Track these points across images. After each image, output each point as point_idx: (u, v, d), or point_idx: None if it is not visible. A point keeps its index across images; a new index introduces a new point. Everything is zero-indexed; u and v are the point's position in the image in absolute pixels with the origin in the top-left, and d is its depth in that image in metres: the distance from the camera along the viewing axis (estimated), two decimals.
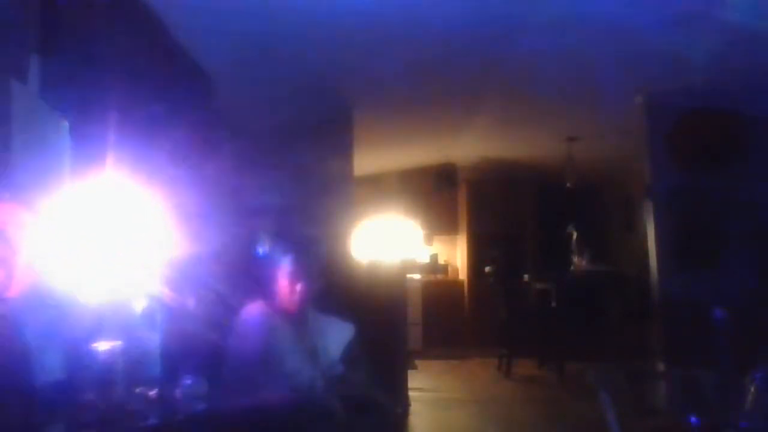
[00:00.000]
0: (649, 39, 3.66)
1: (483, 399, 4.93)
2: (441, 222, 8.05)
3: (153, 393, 1.85)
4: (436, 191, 7.95)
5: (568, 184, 6.52)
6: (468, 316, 7.68)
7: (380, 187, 7.60)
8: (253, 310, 2.39)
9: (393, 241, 7.40)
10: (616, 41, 3.69)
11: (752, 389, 1.95)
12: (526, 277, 6.80)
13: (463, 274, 7.98)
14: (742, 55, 3.93)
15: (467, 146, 6.78)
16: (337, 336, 2.54)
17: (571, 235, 6.69)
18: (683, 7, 3.27)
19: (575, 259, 6.62)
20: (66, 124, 1.96)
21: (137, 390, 1.83)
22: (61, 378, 1.70)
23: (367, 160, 6.13)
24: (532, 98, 5.01)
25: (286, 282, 2.42)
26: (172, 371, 1.99)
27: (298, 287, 2.42)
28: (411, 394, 4.28)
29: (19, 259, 1.60)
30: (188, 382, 1.96)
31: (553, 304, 6.23)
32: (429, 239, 8.02)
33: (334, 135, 5.08)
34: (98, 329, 1.79)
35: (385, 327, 3.69)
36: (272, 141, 4.92)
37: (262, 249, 2.79)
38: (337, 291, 2.70)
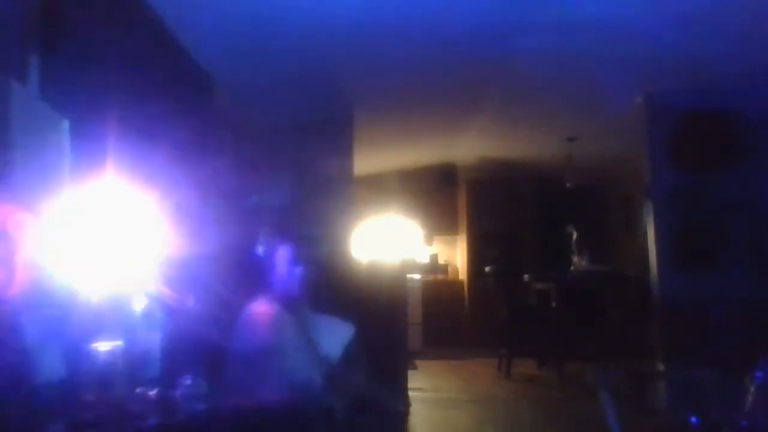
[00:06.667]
0: (649, 39, 3.66)
1: (483, 399, 4.92)
2: (441, 222, 8.05)
3: (153, 393, 1.85)
4: (436, 191, 7.96)
5: (568, 184, 6.51)
6: (468, 316, 7.68)
7: (380, 187, 7.60)
8: (253, 310, 2.39)
9: (393, 241, 7.40)
10: (615, 42, 3.70)
11: (752, 389, 1.95)
12: (526, 277, 6.79)
13: (463, 274, 7.99)
14: (742, 56, 3.94)
15: (467, 146, 6.78)
16: (337, 336, 2.55)
17: (571, 235, 6.68)
18: (683, 7, 3.27)
19: (575, 259, 6.61)
20: (66, 124, 1.96)
21: (137, 390, 1.83)
22: (61, 378, 1.70)
23: (367, 160, 6.14)
24: (532, 98, 5.02)
25: (285, 282, 2.42)
26: (172, 371, 1.99)
27: (298, 287, 2.42)
28: (411, 394, 4.27)
29: (19, 259, 1.60)
30: (188, 382, 1.96)
31: (553, 304, 6.22)
32: (429, 239, 8.02)
33: (334, 135, 5.09)
34: (98, 329, 1.79)
35: (385, 327, 3.69)
36: (273, 141, 4.92)
37: (262, 249, 2.79)
38: (337, 291, 2.70)
